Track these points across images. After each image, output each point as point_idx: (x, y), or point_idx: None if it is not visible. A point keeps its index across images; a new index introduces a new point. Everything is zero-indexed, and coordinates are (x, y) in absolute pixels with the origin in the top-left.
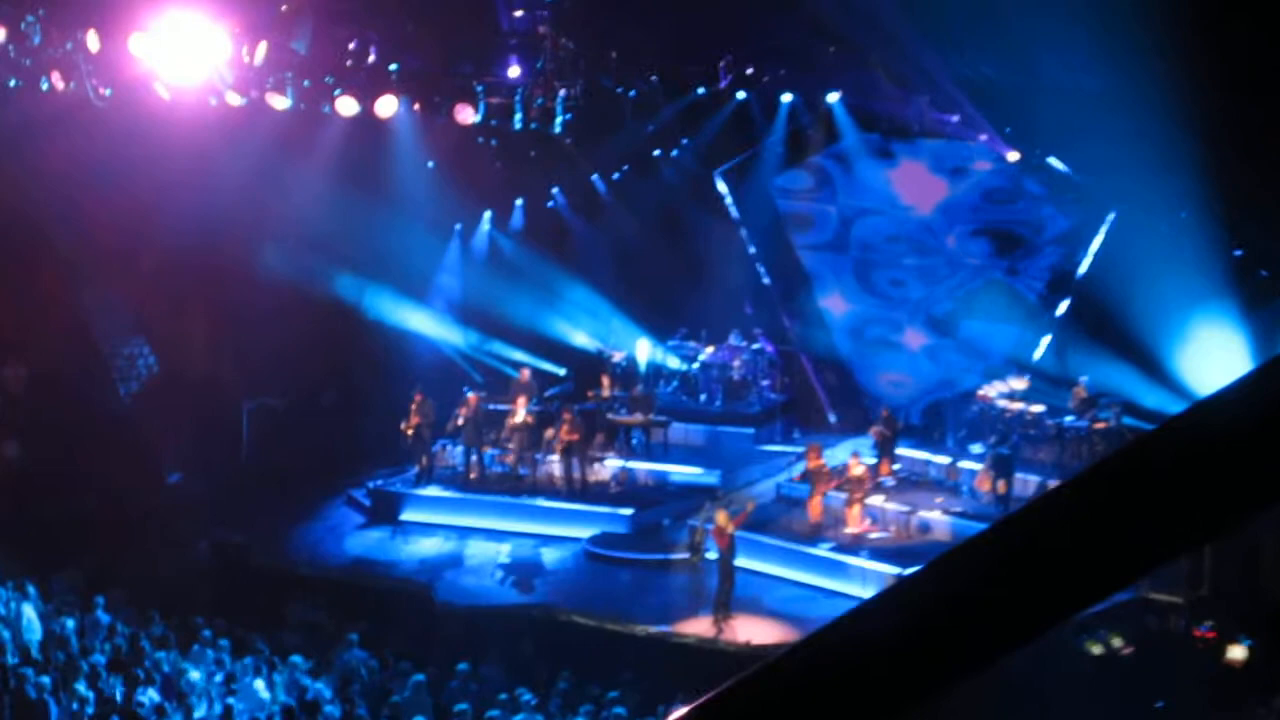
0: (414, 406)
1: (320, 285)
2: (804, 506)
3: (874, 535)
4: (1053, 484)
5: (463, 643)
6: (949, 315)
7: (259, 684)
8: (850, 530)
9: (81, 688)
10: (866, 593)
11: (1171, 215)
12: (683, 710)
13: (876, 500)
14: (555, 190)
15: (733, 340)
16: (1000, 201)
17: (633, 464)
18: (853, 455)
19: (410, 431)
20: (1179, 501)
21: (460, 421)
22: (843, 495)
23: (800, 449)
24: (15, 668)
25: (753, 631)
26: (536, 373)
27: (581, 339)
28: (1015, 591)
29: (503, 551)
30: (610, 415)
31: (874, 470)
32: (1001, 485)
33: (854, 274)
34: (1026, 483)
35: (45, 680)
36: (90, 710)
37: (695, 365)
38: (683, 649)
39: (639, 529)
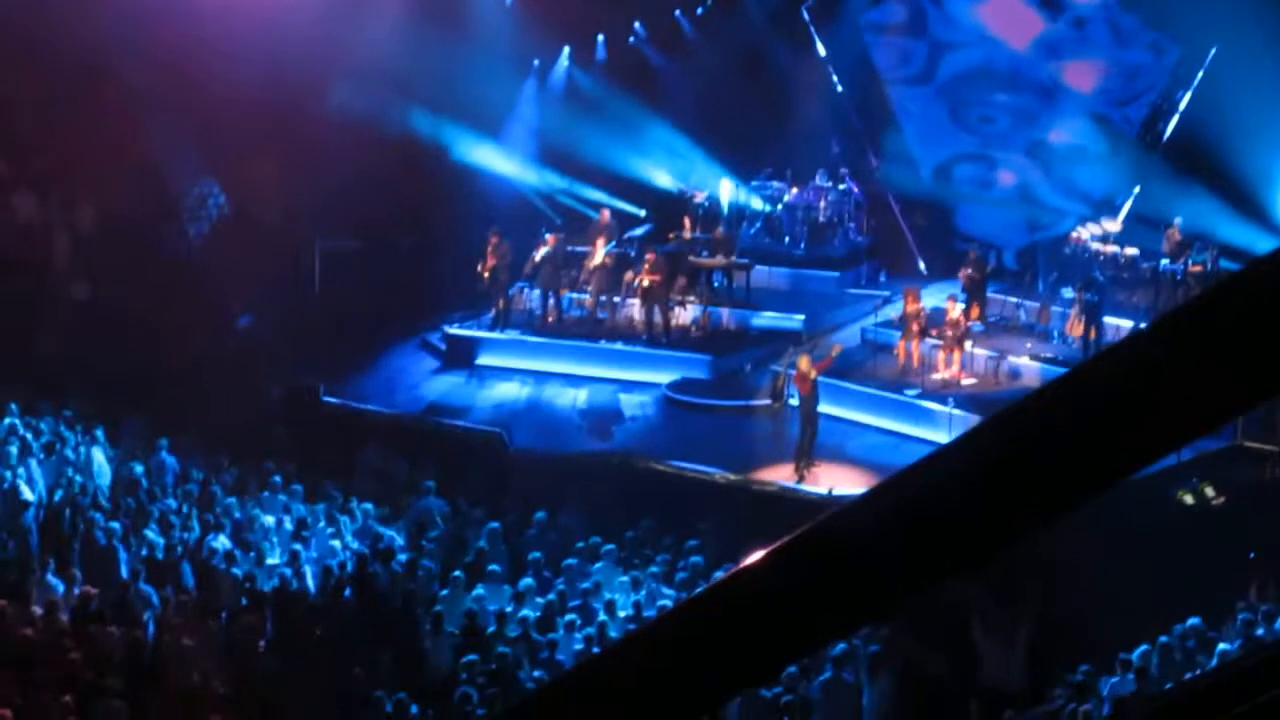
0: (490, 248)
1: (395, 124)
2: (895, 351)
3: (962, 381)
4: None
5: (539, 490)
6: (1042, 153)
7: (330, 530)
8: (939, 376)
9: (152, 533)
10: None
11: (1276, 50)
12: (760, 553)
13: (965, 346)
14: (637, 26)
15: (818, 181)
16: (1097, 38)
17: (714, 308)
18: (949, 299)
19: (487, 274)
20: (1272, 341)
21: (538, 263)
22: (938, 341)
23: (886, 293)
24: (85, 511)
25: (835, 479)
26: (616, 213)
27: (663, 179)
28: (1097, 434)
29: (580, 397)
30: (692, 258)
31: (964, 315)
32: (1093, 331)
33: (945, 110)
34: (1119, 327)
35: (115, 525)
36: (160, 556)
37: (779, 206)
38: (764, 497)
39: (720, 375)
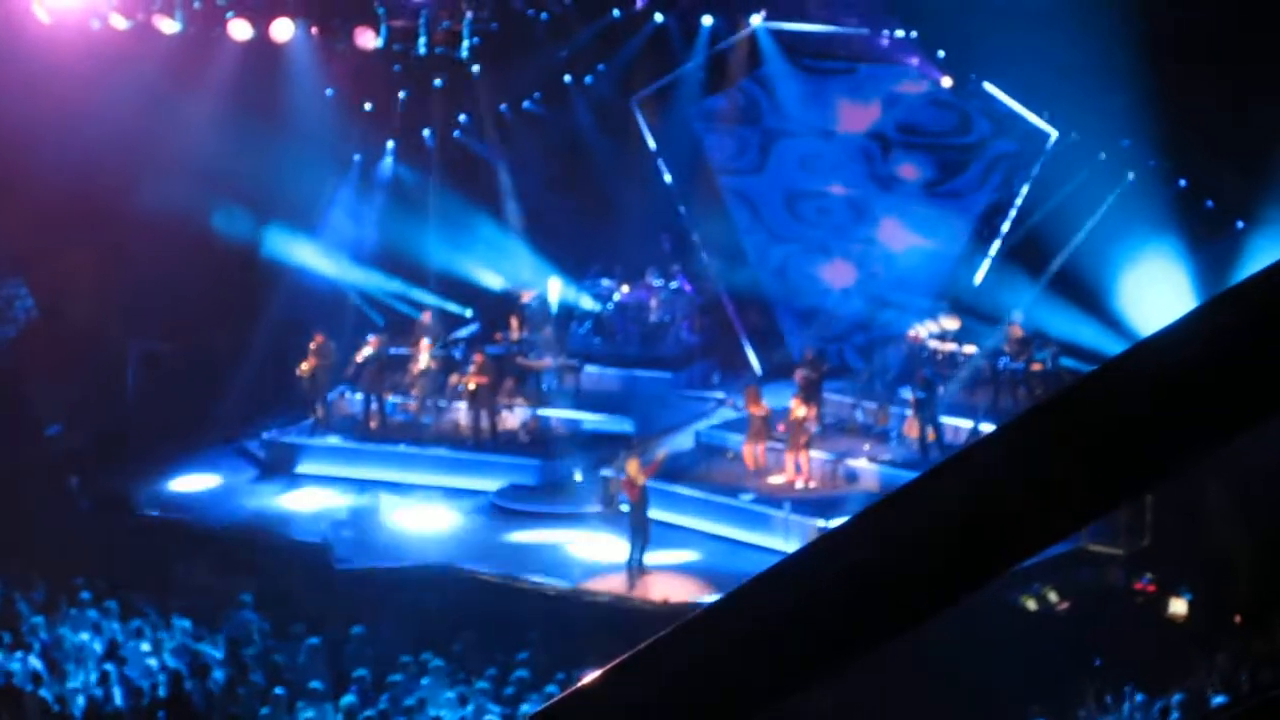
0: (313, 349)
1: (213, 222)
2: (741, 454)
3: (797, 485)
4: (985, 429)
5: (361, 603)
6: (879, 247)
7: (144, 648)
8: (775, 479)
9: None
10: (789, 546)
11: (1114, 143)
12: (595, 673)
13: (805, 447)
14: (462, 119)
15: (649, 279)
16: (933, 128)
17: (543, 411)
18: (794, 397)
19: (307, 375)
20: (1118, 449)
21: (360, 365)
22: (779, 443)
23: (720, 394)
24: None
25: (669, 588)
26: (442, 314)
27: (490, 278)
28: (943, 548)
29: (404, 505)
30: (520, 359)
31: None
32: (931, 432)
33: (779, 203)
34: (958, 428)
35: None
36: None
37: (610, 306)
38: (594, 607)
39: (549, 481)
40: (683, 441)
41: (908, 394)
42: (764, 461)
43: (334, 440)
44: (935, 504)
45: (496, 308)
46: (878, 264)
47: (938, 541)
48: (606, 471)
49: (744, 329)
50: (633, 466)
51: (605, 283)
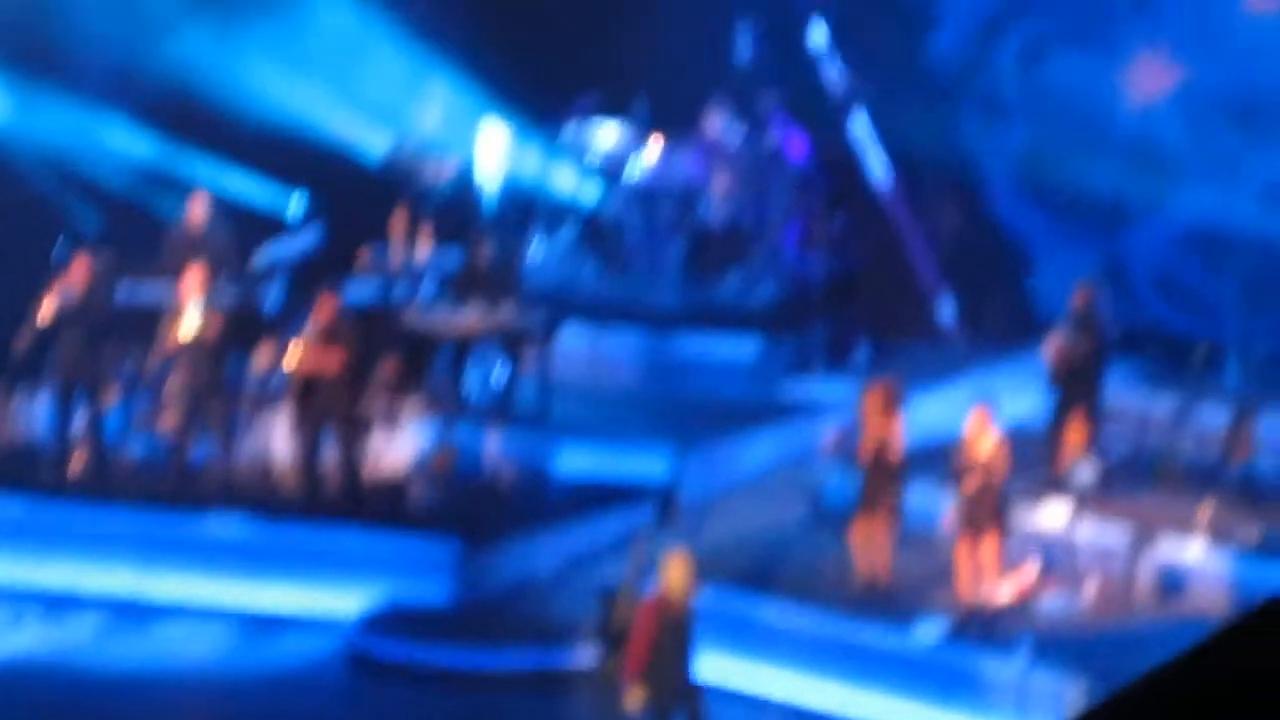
0: None
1: None
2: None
3: (1044, 600)
4: None
5: None
6: (1233, 32)
7: None
8: (977, 591)
9: None
10: None
11: None
12: None
13: (1050, 516)
14: None
15: (709, 125)
16: None
17: (471, 429)
18: (978, 408)
19: None
20: None
21: (50, 325)
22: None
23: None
24: None
25: None
26: (236, 212)
27: (352, 129)
28: None
29: (143, 646)
30: (413, 313)
31: (1056, 440)
32: None
33: None
34: None
35: None
36: None
37: (619, 189)
38: None
39: (477, 595)
40: (781, 503)
41: None
42: (886, 557)
43: None
44: None
45: (366, 191)
46: (1231, 72)
47: None
48: (614, 572)
49: (927, 240)
50: (676, 569)
51: (606, 134)
